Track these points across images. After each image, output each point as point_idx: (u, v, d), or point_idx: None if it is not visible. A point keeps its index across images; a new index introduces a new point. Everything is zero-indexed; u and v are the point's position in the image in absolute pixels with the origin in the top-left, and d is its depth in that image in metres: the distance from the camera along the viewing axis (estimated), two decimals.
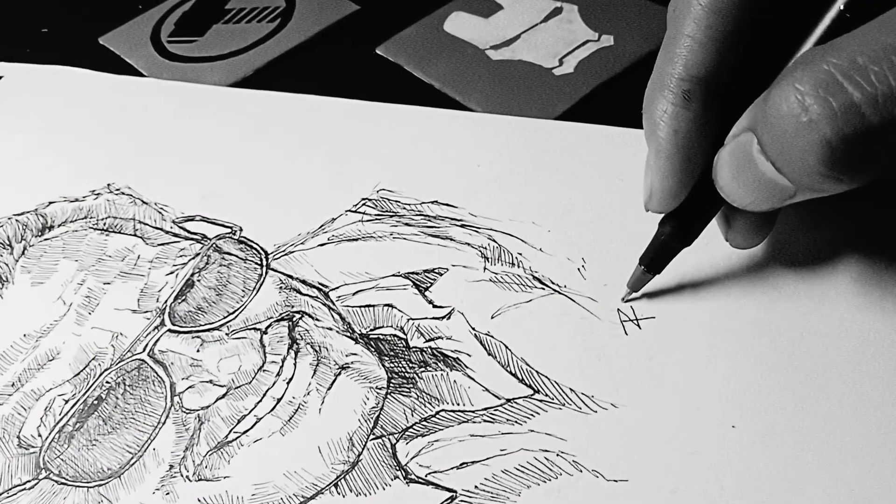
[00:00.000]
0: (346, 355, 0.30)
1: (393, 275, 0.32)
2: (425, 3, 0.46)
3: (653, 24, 0.42)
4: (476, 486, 0.27)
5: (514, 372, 0.29)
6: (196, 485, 0.28)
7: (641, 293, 0.30)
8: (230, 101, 0.42)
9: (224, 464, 0.28)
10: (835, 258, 0.31)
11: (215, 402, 0.30)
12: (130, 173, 0.38)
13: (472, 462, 0.27)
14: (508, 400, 0.28)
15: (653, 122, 0.27)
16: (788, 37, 0.25)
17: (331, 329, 0.31)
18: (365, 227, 0.34)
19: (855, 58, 0.21)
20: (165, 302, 0.33)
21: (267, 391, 0.30)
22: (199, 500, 0.27)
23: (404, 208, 0.35)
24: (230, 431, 0.29)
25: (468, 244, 0.33)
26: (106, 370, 0.31)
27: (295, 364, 0.30)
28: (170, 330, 0.32)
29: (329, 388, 0.29)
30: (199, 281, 0.33)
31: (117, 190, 0.38)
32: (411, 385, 0.29)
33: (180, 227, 0.36)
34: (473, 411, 0.28)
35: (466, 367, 0.29)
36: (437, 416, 0.28)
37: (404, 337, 0.31)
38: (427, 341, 0.30)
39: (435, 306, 0.31)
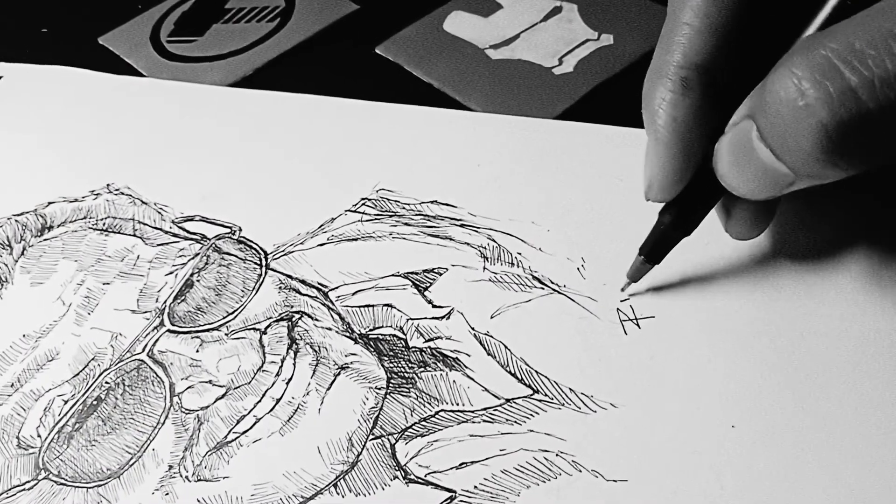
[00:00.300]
0: (346, 355, 0.30)
1: (392, 275, 0.32)
2: (425, 2, 0.46)
3: (653, 24, 0.42)
4: (475, 487, 0.27)
5: (513, 372, 0.29)
6: (195, 485, 0.28)
7: (644, 288, 0.30)
8: (230, 101, 0.42)
9: (223, 464, 0.28)
10: (835, 258, 0.31)
11: (215, 402, 0.30)
12: (130, 173, 0.38)
13: (472, 462, 0.27)
14: (508, 400, 0.28)
15: (651, 110, 0.27)
16: (789, 25, 0.25)
17: (330, 329, 0.31)
18: (364, 227, 0.34)
19: (852, 42, 0.21)
20: (165, 302, 0.33)
21: (266, 391, 0.29)
22: (198, 501, 0.27)
23: (404, 208, 0.35)
24: (229, 432, 0.29)
25: (468, 244, 0.33)
26: (105, 370, 0.31)
27: (294, 364, 0.30)
28: (169, 330, 0.32)
29: (328, 389, 0.29)
30: (198, 281, 0.33)
31: (117, 190, 0.38)
32: (411, 385, 0.29)
33: (180, 228, 0.36)
34: (473, 411, 0.28)
35: (466, 367, 0.29)
36: (437, 416, 0.28)
37: (404, 337, 0.31)
38: (426, 341, 0.30)
39: (434, 306, 0.31)
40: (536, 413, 0.28)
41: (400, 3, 0.46)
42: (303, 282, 0.33)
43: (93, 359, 0.31)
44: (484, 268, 0.32)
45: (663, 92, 0.26)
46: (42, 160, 0.40)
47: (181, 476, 0.28)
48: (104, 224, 0.36)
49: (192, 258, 0.34)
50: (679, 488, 0.26)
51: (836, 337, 0.28)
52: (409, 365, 0.30)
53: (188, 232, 0.35)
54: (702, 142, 0.26)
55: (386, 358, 0.30)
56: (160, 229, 0.36)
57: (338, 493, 0.27)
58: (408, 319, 0.31)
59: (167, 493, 0.28)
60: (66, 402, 0.30)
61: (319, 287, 0.33)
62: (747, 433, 0.27)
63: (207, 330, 0.32)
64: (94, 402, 0.30)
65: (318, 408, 0.29)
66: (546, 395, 0.28)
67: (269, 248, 0.34)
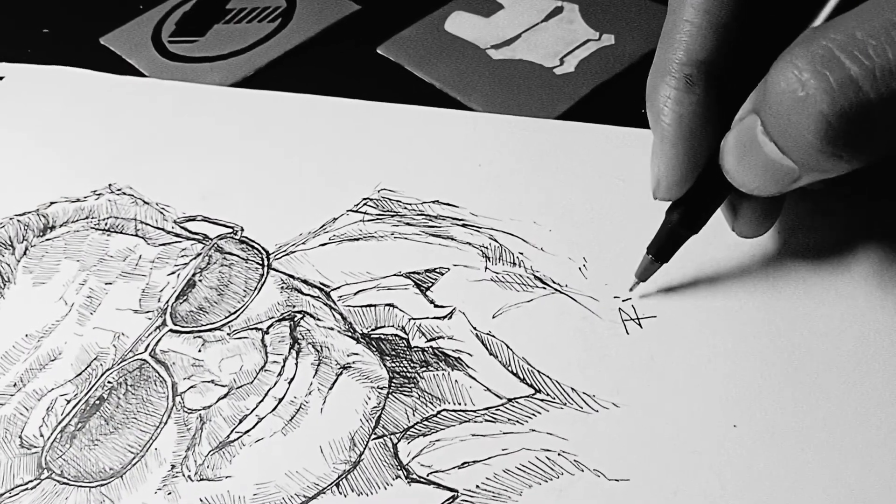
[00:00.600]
0: (348, 355, 0.30)
1: (394, 274, 0.33)
2: (426, 2, 0.46)
3: (654, 24, 0.42)
4: (477, 486, 0.27)
5: (515, 371, 0.29)
6: (198, 484, 0.28)
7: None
8: (231, 100, 0.42)
9: (226, 463, 0.28)
10: (836, 259, 0.31)
11: (217, 401, 0.30)
12: (131, 173, 0.38)
13: (474, 462, 0.27)
14: (510, 399, 0.28)
15: (656, 108, 0.27)
16: (793, 20, 0.25)
17: (332, 329, 0.31)
18: (366, 227, 0.34)
19: (853, 33, 0.21)
20: (167, 302, 0.33)
21: (268, 391, 0.30)
22: (200, 500, 0.27)
23: (405, 208, 0.35)
24: (232, 431, 0.29)
25: (469, 244, 0.33)
26: (108, 370, 0.31)
27: (296, 364, 0.30)
28: (171, 330, 0.32)
29: (330, 388, 0.29)
30: (200, 281, 0.33)
31: (118, 190, 0.38)
32: (413, 385, 0.29)
33: (182, 227, 0.36)
34: (475, 411, 0.28)
35: (468, 367, 0.29)
36: (439, 415, 0.28)
37: (406, 336, 0.31)
38: (428, 341, 0.30)
39: (436, 306, 0.31)
40: (538, 413, 0.28)
41: (401, 3, 0.46)
42: (305, 281, 0.33)
43: (95, 358, 0.31)
44: (486, 268, 0.32)
45: (667, 90, 0.26)
46: (44, 160, 0.40)
47: (184, 475, 0.28)
48: (106, 224, 0.36)
49: (194, 258, 0.34)
50: (680, 488, 0.26)
51: (837, 337, 0.29)
52: (412, 364, 0.30)
53: (190, 232, 0.35)
54: (707, 139, 0.26)
55: (388, 358, 0.30)
56: (162, 229, 0.36)
57: (340, 493, 0.27)
58: (410, 319, 0.31)
59: (170, 493, 0.28)
60: (68, 401, 0.30)
61: (321, 287, 0.33)
62: (748, 433, 0.27)
63: (210, 330, 0.32)
64: (97, 402, 0.30)
65: (321, 407, 0.29)
66: (548, 394, 0.28)
67: (271, 248, 0.34)
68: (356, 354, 0.30)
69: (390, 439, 0.28)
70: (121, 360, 0.31)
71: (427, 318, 0.31)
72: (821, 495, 0.25)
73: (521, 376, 0.29)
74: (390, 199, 0.35)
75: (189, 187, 0.37)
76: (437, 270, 0.32)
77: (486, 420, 0.28)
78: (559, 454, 0.27)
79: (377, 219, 0.35)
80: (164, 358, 0.31)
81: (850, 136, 0.21)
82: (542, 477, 0.27)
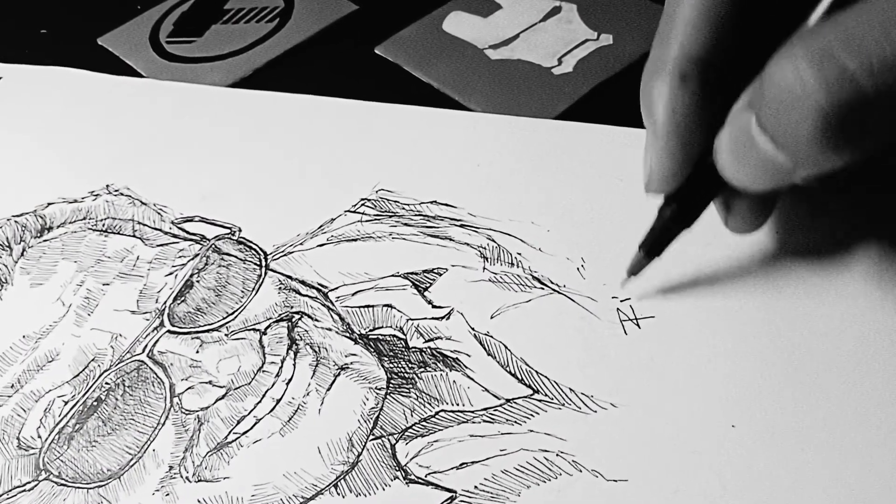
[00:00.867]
0: (346, 356, 0.30)
1: (392, 275, 0.32)
2: (424, 2, 0.46)
3: (652, 23, 0.42)
4: (476, 487, 0.27)
5: (513, 372, 0.29)
6: (196, 486, 0.28)
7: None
8: (229, 101, 0.42)
9: (224, 465, 0.28)
10: (835, 258, 0.31)
11: (215, 402, 0.30)
12: (129, 174, 0.38)
13: (472, 462, 0.27)
14: (508, 400, 0.28)
15: (650, 102, 0.27)
16: (789, 17, 0.25)
17: (330, 329, 0.31)
18: (364, 228, 0.34)
19: (851, 29, 0.21)
20: (165, 303, 0.33)
21: (266, 392, 0.29)
22: (198, 501, 0.27)
23: (403, 208, 0.35)
24: (230, 432, 0.29)
25: (467, 244, 0.33)
26: (105, 371, 0.31)
27: (294, 365, 0.30)
28: (169, 331, 0.32)
29: (328, 389, 0.29)
30: (198, 282, 0.33)
31: (116, 191, 0.38)
32: (411, 385, 0.29)
33: (179, 228, 0.36)
34: (473, 411, 0.28)
35: (466, 368, 0.29)
36: (437, 416, 0.28)
37: (404, 337, 0.31)
38: (426, 341, 0.30)
39: (434, 306, 0.31)
40: (536, 413, 0.28)
41: (399, 3, 0.46)
42: (302, 282, 0.33)
43: (93, 360, 0.31)
44: (484, 268, 0.32)
45: (661, 85, 0.26)
46: (41, 161, 0.40)
47: (181, 476, 0.28)
48: (104, 225, 0.36)
49: (192, 259, 0.34)
50: (679, 488, 0.26)
51: (837, 337, 0.28)
52: (410, 365, 0.30)
53: (188, 233, 0.35)
54: (701, 134, 0.26)
55: (386, 358, 0.30)
56: (160, 230, 0.36)
57: (338, 494, 0.27)
58: (408, 320, 0.31)
59: (167, 494, 0.28)
60: (66, 402, 0.30)
61: (319, 287, 0.33)
62: (747, 433, 0.27)
63: (207, 330, 0.32)
64: (95, 403, 0.30)
65: (319, 408, 0.29)
66: (546, 395, 0.28)
67: (269, 249, 0.34)
68: (354, 355, 0.30)
69: (388, 440, 0.28)
70: (118, 361, 0.31)
71: (425, 318, 0.31)
72: (821, 495, 0.25)
73: (520, 377, 0.29)
74: (388, 200, 0.35)
75: (187, 188, 0.37)
76: (435, 271, 0.32)
77: (485, 420, 0.28)
78: (557, 454, 0.27)
79: (375, 219, 0.35)
80: (162, 359, 0.31)
81: (846, 131, 0.21)
82: (541, 477, 0.26)
